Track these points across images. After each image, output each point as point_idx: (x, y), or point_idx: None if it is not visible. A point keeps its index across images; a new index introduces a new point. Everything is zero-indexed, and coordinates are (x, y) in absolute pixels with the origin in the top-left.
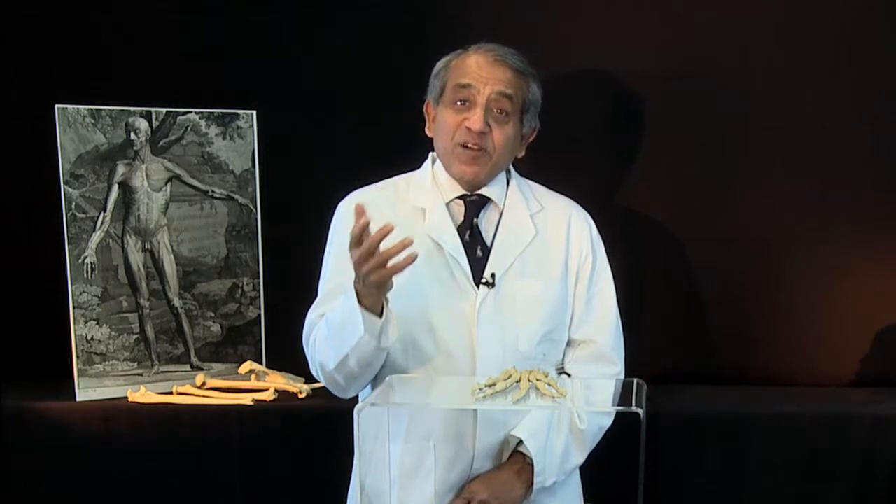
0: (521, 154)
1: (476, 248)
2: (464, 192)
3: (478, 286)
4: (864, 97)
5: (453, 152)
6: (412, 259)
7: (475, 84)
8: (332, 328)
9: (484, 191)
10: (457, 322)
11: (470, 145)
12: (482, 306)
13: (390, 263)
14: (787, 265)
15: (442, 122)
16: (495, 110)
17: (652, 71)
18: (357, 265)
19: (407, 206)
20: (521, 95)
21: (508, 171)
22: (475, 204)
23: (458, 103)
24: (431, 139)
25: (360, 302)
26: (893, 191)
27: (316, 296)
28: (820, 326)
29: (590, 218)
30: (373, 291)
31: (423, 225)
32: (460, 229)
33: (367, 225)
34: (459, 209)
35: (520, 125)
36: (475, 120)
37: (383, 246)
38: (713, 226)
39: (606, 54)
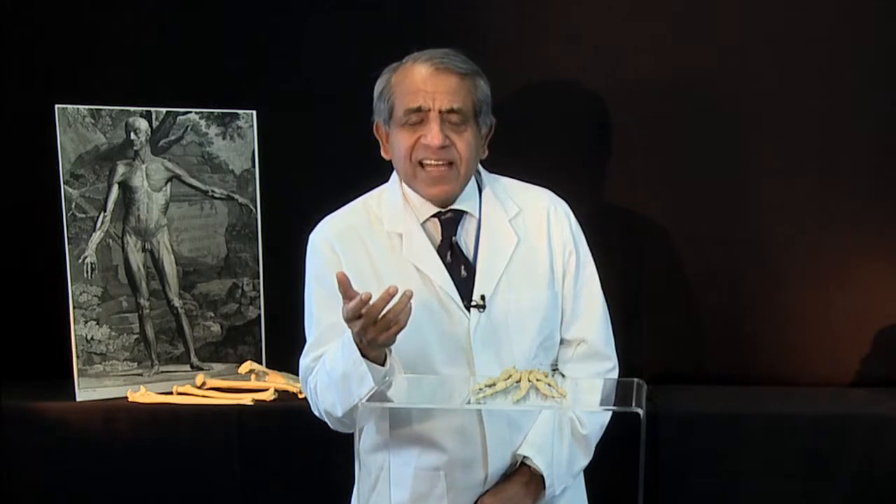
0: (485, 154)
1: (460, 269)
2: (437, 209)
3: (468, 309)
4: (864, 98)
5: (415, 175)
6: (408, 302)
7: (424, 104)
8: (335, 379)
9: (457, 205)
10: (453, 348)
11: (433, 161)
12: (476, 330)
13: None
14: (787, 266)
15: (397, 144)
16: (449, 121)
17: (651, 71)
18: (360, 333)
19: (383, 232)
20: (471, 100)
21: (479, 175)
22: (451, 221)
23: (410, 122)
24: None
25: (363, 355)
26: (893, 191)
27: (305, 334)
28: (820, 326)
29: (567, 208)
30: (377, 347)
31: (402, 251)
32: (440, 250)
33: (367, 299)
34: (436, 228)
35: (477, 127)
36: (433, 135)
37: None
38: (713, 226)
39: (605, 54)
